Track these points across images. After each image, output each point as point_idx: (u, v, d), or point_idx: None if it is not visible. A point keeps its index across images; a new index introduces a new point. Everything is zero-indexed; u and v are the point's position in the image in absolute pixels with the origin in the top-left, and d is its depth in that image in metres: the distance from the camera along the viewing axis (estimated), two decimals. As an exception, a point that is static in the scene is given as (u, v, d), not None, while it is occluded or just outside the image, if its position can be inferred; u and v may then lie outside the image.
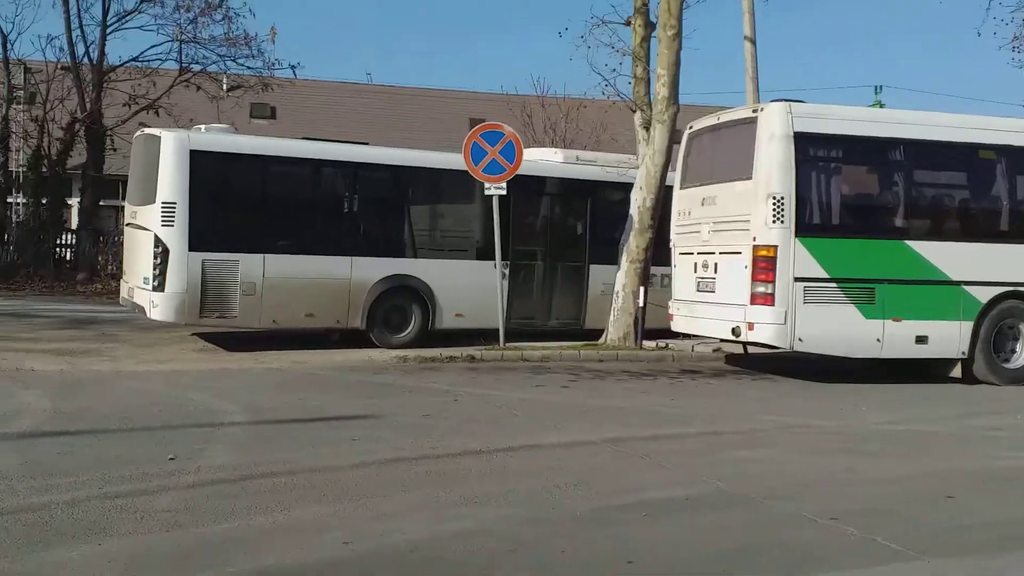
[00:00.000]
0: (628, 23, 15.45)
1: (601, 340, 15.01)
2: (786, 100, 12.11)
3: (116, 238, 25.95)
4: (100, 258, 24.76)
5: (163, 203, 12.74)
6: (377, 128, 32.11)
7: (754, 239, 11.90)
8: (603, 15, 15.48)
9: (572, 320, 15.55)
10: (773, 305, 11.74)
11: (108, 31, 24.66)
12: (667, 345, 14.74)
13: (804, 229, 11.82)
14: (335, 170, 14.34)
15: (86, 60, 24.76)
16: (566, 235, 15.93)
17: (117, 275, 23.56)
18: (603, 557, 5.24)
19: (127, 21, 24.88)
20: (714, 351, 14.62)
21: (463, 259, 14.62)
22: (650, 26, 15.22)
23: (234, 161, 13.44)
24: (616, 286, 14.98)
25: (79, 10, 24.55)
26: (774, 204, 11.72)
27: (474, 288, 14.26)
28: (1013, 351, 12.71)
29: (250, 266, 13.06)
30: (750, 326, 11.94)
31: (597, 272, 15.45)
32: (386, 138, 23.58)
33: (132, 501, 5.84)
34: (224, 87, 25.99)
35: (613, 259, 15.08)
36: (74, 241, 25.15)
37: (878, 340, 12.06)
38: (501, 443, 7.98)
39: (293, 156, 14.10)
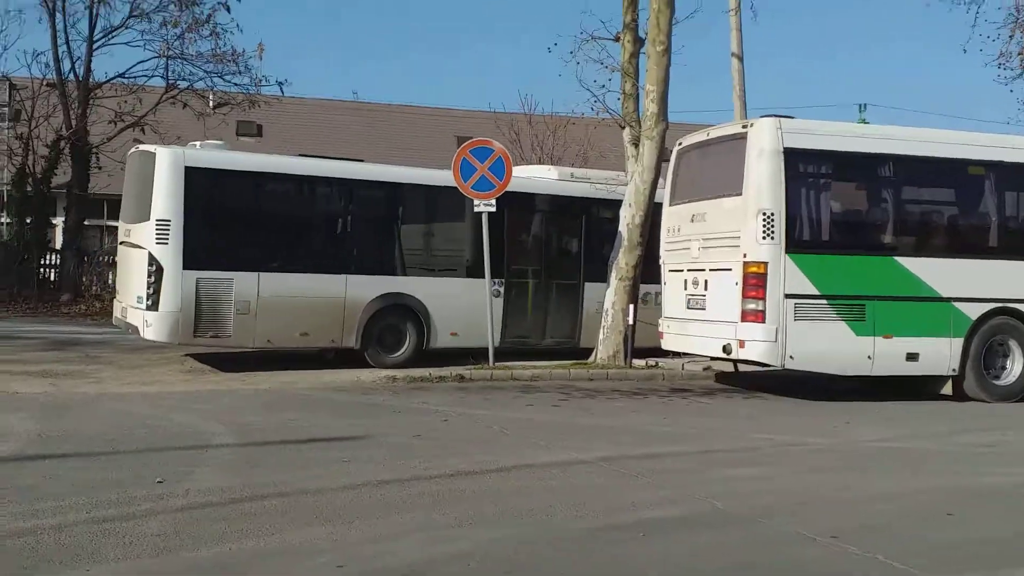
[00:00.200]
0: (617, 39, 15.47)
1: (591, 359, 14.94)
2: (776, 116, 12.11)
3: (101, 258, 25.85)
4: (84, 279, 24.54)
5: (158, 220, 12.60)
6: (363, 146, 32.14)
7: (744, 255, 11.88)
8: (593, 30, 15.47)
9: (567, 338, 15.47)
10: (764, 322, 11.72)
11: (95, 47, 24.58)
12: (657, 364, 14.70)
13: (794, 245, 11.82)
14: (330, 187, 14.26)
15: (72, 76, 24.62)
16: (560, 253, 15.92)
17: (101, 296, 23.58)
18: (601, 579, 5.16)
19: (114, 37, 24.81)
20: (704, 369, 14.58)
21: (458, 277, 14.55)
22: (639, 42, 15.25)
23: (229, 178, 13.33)
24: (605, 304, 14.93)
25: (65, 25, 24.51)
26: (764, 220, 11.71)
27: (469, 307, 14.18)
28: (1003, 368, 12.72)
29: (245, 285, 12.92)
30: (741, 344, 11.91)
31: (592, 290, 15.38)
32: (373, 156, 23.56)
33: (120, 525, 5.72)
34: (211, 104, 25.88)
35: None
36: (58, 261, 24.90)
37: (869, 357, 12.05)
38: (493, 463, 7.89)
39: (288, 173, 14.02)
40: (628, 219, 14.85)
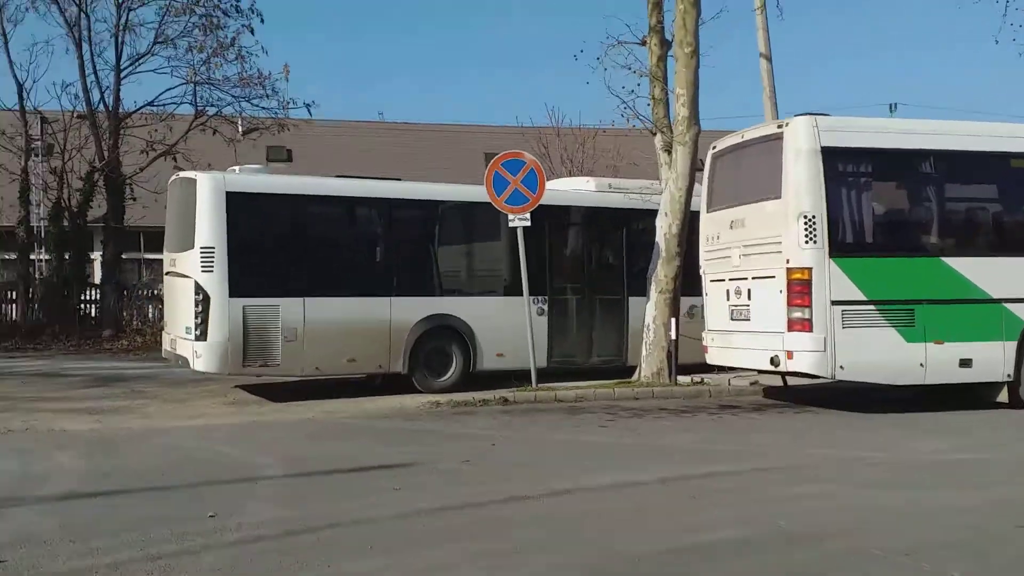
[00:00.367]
0: (644, 43, 15.22)
1: (634, 377, 14.64)
2: (811, 114, 11.85)
3: (140, 291, 26.00)
4: (125, 313, 24.62)
5: (202, 248, 12.52)
6: (393, 166, 32.01)
7: (787, 261, 11.58)
8: (618, 35, 15.25)
9: (614, 356, 15.19)
10: (811, 331, 11.40)
11: (122, 75, 24.66)
12: (703, 380, 14.32)
13: (838, 249, 11.49)
14: (371, 208, 14.11)
15: (102, 107, 24.79)
16: (603, 267, 15.65)
17: (143, 330, 23.65)
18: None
19: (140, 64, 24.88)
20: (752, 384, 14.26)
21: (502, 296, 14.31)
22: (666, 45, 15.01)
23: (270, 201, 13.21)
24: (646, 319, 14.62)
25: (92, 55, 24.63)
26: (806, 223, 11.43)
27: (515, 326, 13.89)
28: (1061, 371, 12.20)
29: (291, 311, 12.80)
30: (789, 355, 11.56)
31: (636, 305, 15.02)
32: (404, 176, 23.46)
33: (177, 561, 5.65)
34: (240, 130, 26.01)
35: (650, 290, 14.79)
36: (98, 296, 25.04)
37: (921, 365, 11.66)
38: (546, 487, 7.76)
39: (328, 195, 13.89)
40: (665, 229, 14.58)
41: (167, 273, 14.27)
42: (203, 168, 15.26)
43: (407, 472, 8.54)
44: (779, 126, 12.16)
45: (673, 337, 14.21)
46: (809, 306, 11.42)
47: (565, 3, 73.76)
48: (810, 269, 11.44)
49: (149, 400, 13.45)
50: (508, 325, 13.96)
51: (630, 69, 15.27)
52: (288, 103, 24.99)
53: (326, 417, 12.03)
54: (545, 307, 14.59)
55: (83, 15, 24.30)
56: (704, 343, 13.45)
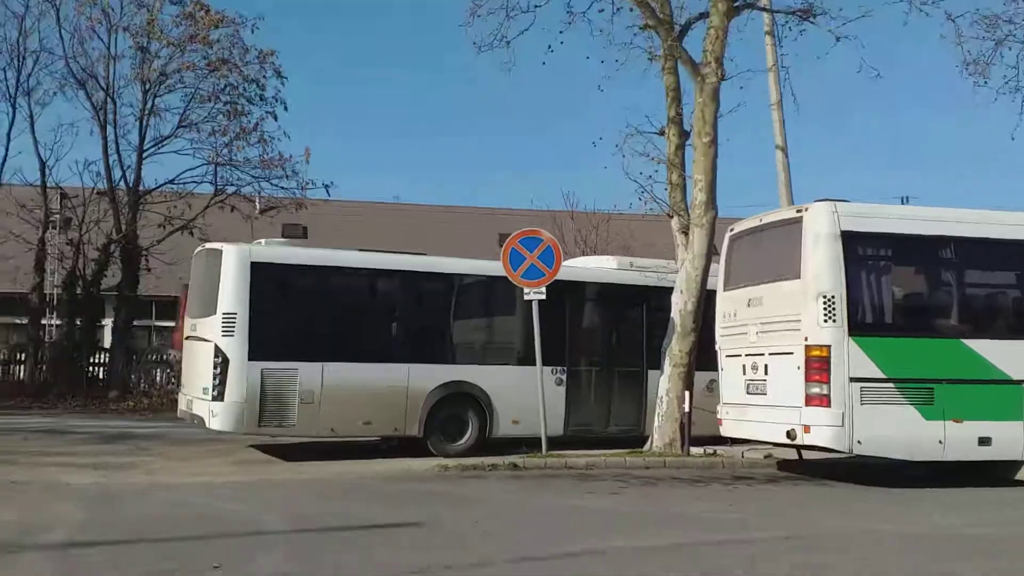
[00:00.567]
0: (662, 132, 15.54)
1: (646, 447, 14.57)
2: (830, 200, 11.96)
3: (149, 356, 25.98)
4: (133, 376, 24.59)
5: (224, 314, 12.72)
6: (407, 246, 32.15)
7: (806, 339, 11.56)
8: (637, 124, 15.55)
9: (631, 427, 15.12)
10: (829, 406, 11.32)
11: (144, 156, 25.00)
12: (715, 452, 14.24)
13: (857, 328, 11.49)
14: (392, 279, 14.36)
15: (122, 184, 25.06)
16: (622, 341, 15.71)
17: (149, 393, 23.59)
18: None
19: (164, 146, 25.25)
20: (765, 457, 14.10)
21: (519, 365, 14.30)
22: (684, 135, 15.32)
23: (293, 272, 13.50)
24: (660, 391, 14.63)
25: (116, 136, 24.95)
26: (825, 303, 11.45)
27: (531, 395, 13.91)
28: (1078, 453, 12.10)
29: (309, 375, 12.92)
30: (806, 428, 11.48)
31: (655, 377, 15.02)
32: (418, 255, 23.60)
33: (181, 608, 5.49)
34: (257, 207, 26.24)
35: (671, 364, 14.72)
36: (107, 360, 25.02)
37: (940, 442, 11.57)
38: (559, 550, 7.59)
39: (351, 267, 14.13)
40: (680, 305, 14.67)
41: (187, 338, 14.46)
42: (215, 241, 15.54)
43: (417, 532, 8.36)
44: (798, 211, 12.26)
45: (687, 409, 14.13)
46: (827, 382, 11.37)
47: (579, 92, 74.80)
48: (829, 347, 11.42)
49: (154, 457, 13.31)
50: (524, 393, 13.94)
51: (648, 156, 15.66)
52: (307, 184, 25.27)
53: (334, 478, 11.87)
54: (563, 377, 14.69)
55: (109, 100, 24.77)
56: (719, 416, 13.36)
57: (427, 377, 13.70)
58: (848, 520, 9.59)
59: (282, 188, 25.37)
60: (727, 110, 15.12)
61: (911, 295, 12.69)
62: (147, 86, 24.50)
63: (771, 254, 12.76)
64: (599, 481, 12.04)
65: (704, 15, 15.10)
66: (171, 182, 25.21)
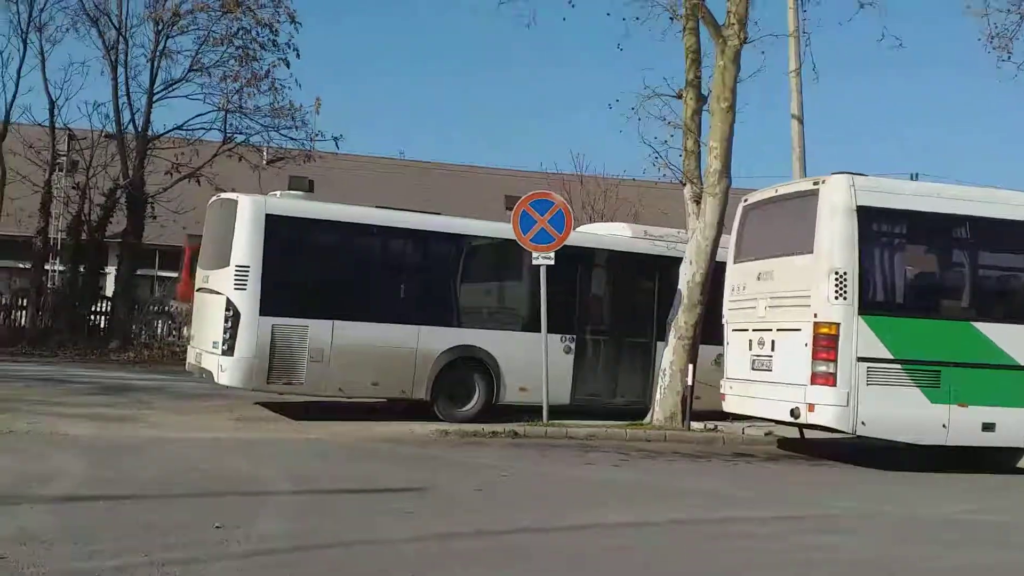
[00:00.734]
0: (679, 96, 15.23)
1: (646, 419, 14.48)
2: (848, 172, 11.75)
3: (151, 307, 25.90)
4: (134, 327, 24.52)
5: (237, 266, 12.58)
6: (412, 203, 31.93)
7: (815, 315, 11.43)
8: (655, 87, 15.15)
9: (638, 398, 14.97)
10: (835, 386, 11.21)
11: (155, 99, 24.68)
12: (716, 427, 14.17)
13: (868, 307, 11.35)
14: (406, 238, 14.20)
15: (131, 127, 24.86)
16: (633, 311, 15.57)
17: (150, 344, 23.54)
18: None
19: (174, 90, 24.96)
20: (766, 434, 14.04)
21: (530, 332, 14.08)
22: (701, 99, 15.05)
23: (308, 227, 13.31)
24: (663, 363, 14.49)
25: (127, 78, 24.64)
26: (836, 280, 11.29)
27: (541, 362, 13.77)
28: (1084, 442, 12.03)
29: (319, 332, 12.82)
30: (810, 407, 11.36)
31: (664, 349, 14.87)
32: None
33: (183, 570, 5.44)
34: (264, 159, 26.04)
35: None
36: (109, 309, 24.94)
37: (944, 426, 11.46)
38: (559, 521, 7.54)
39: (366, 223, 13.92)
40: (688, 277, 14.49)
41: (199, 289, 14.32)
42: (227, 192, 15.37)
43: (417, 496, 8.33)
44: (815, 183, 12.02)
45: (689, 383, 14.03)
46: (834, 360, 11.26)
47: (597, 52, 74.08)
48: (838, 325, 11.29)
49: (155, 411, 13.23)
50: (533, 361, 13.78)
51: (665, 120, 15.31)
52: (316, 135, 25.02)
53: (334, 438, 11.82)
54: (572, 345, 14.55)
55: (121, 39, 24.41)
56: (722, 391, 13.24)
57: (437, 340, 13.57)
58: (853, 502, 9.55)
59: (291, 139, 25.13)
60: (747, 75, 14.84)
61: (923, 274, 12.55)
62: (160, 26, 24.13)
63: (784, 226, 12.57)
64: (600, 452, 12.00)
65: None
66: (180, 128, 24.99)
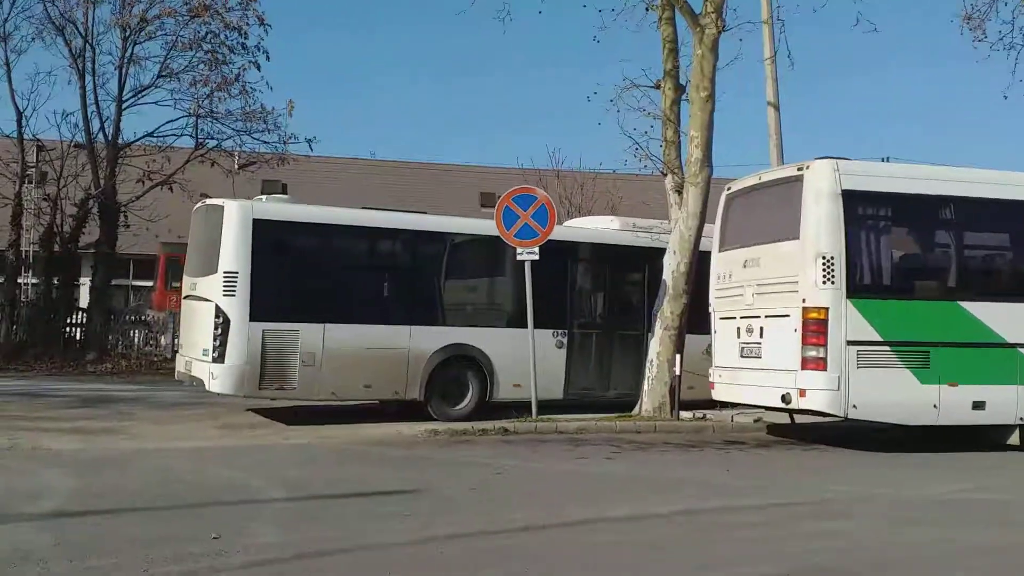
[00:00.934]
0: (658, 86, 15.17)
1: (635, 411, 14.42)
2: (832, 158, 11.73)
3: (127, 317, 25.57)
4: (111, 338, 24.18)
5: (225, 272, 12.46)
6: (388, 203, 31.86)
7: (803, 300, 11.42)
8: (634, 78, 15.09)
9: (631, 391, 14.86)
10: (826, 370, 11.22)
11: (124, 106, 24.31)
12: (705, 416, 14.15)
13: (855, 290, 11.36)
14: (394, 239, 14.10)
15: (101, 136, 24.50)
16: (624, 303, 15.61)
17: (127, 355, 23.22)
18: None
19: (143, 96, 24.59)
20: (755, 421, 14.04)
21: (521, 328, 13.94)
22: (680, 89, 15.00)
23: (295, 230, 13.25)
24: (650, 354, 14.45)
25: (95, 86, 24.29)
26: (824, 264, 11.29)
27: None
28: (1072, 417, 12.06)
29: (310, 336, 12.71)
30: (801, 392, 11.38)
31: None
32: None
33: (185, 583, 5.30)
34: (236, 164, 25.77)
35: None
36: (84, 320, 24.59)
37: (935, 406, 11.50)
38: (560, 517, 7.43)
39: (353, 225, 13.82)
40: (672, 267, 14.45)
41: (186, 297, 14.19)
42: (199, 199, 15.21)
43: (413, 498, 8.20)
44: (799, 168, 12.00)
45: (677, 372, 13.99)
46: (824, 345, 11.25)
47: (574, 49, 74.06)
48: (827, 309, 11.29)
49: (137, 422, 13.03)
50: (526, 357, 13.71)
51: (644, 111, 15.22)
52: (289, 138, 24.77)
53: (322, 442, 11.68)
54: (564, 340, 14.53)
55: (88, 47, 24.07)
56: (711, 379, 13.24)
57: (429, 339, 13.50)
58: (850, 486, 9.51)
59: (264, 142, 24.86)
60: (724, 63, 14.79)
61: (910, 256, 12.57)
62: (127, 32, 23.76)
63: (769, 213, 12.56)
64: (591, 446, 11.94)
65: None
66: (151, 135, 24.64)
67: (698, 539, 6.91)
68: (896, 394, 11.42)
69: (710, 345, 13.63)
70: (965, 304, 11.75)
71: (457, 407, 13.69)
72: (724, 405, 13.94)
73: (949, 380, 11.55)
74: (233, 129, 24.50)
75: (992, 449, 12.04)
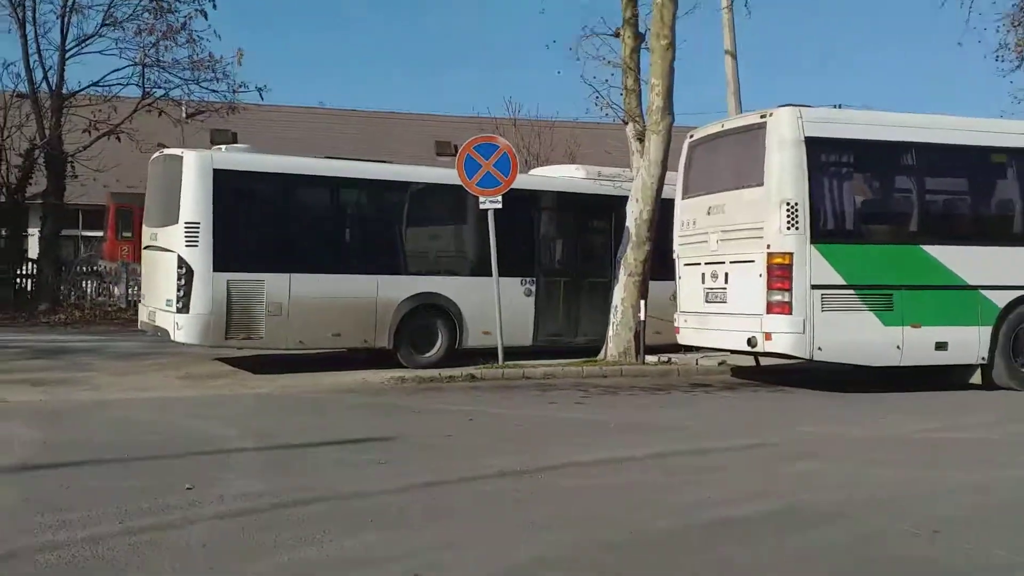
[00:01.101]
0: (617, 34, 15.06)
1: (600, 356, 14.50)
2: (794, 105, 11.74)
3: (78, 267, 25.07)
4: (63, 288, 23.72)
5: (186, 223, 12.26)
6: (339, 152, 31.46)
7: (768, 246, 11.50)
8: (592, 26, 15.06)
9: (600, 336, 14.86)
10: (791, 314, 11.34)
11: (67, 56, 23.67)
12: (670, 360, 14.26)
13: (819, 235, 11.45)
14: (359, 188, 13.89)
15: (44, 86, 23.80)
16: (590, 251, 15.64)
17: (80, 305, 22.81)
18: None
19: (87, 45, 23.89)
20: (719, 364, 14.16)
21: (491, 276, 13.86)
22: (639, 37, 14.88)
23: (257, 180, 13.05)
24: (614, 300, 14.50)
25: (37, 35, 23.55)
26: (788, 210, 11.36)
27: (503, 306, 13.71)
28: (1033, 355, 12.31)
29: (276, 286, 12.59)
30: (767, 336, 11.51)
31: None
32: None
33: (161, 535, 5.19)
34: (183, 113, 25.19)
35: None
36: (35, 271, 24.07)
37: (898, 347, 11.69)
38: (538, 462, 7.37)
39: (317, 174, 13.67)
40: (636, 214, 14.44)
41: (147, 247, 13.94)
42: (148, 148, 14.92)
43: (389, 445, 8.13)
44: (762, 116, 12.00)
45: (642, 318, 14.04)
46: (789, 289, 11.36)
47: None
48: (791, 254, 11.38)
49: (96, 373, 12.80)
50: (495, 304, 13.66)
51: (604, 59, 15.14)
52: (239, 87, 24.21)
53: (285, 391, 11.58)
54: (533, 288, 14.59)
55: (28, -5, 23.22)
56: (676, 324, 13.34)
57: (396, 289, 13.44)
58: (820, 427, 9.62)
59: (213, 91, 24.28)
60: (684, 12, 14.71)
61: (872, 201, 12.66)
62: (68, -22, 23.04)
63: (733, 161, 12.58)
64: (559, 391, 11.97)
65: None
66: (96, 84, 23.98)
67: (674, 482, 6.90)
68: (860, 336, 11.57)
69: (675, 292, 13.68)
70: (927, 248, 11.88)
71: (427, 355, 13.65)
72: (689, 349, 14.12)
73: (912, 322, 11.72)
74: (181, 78, 23.97)
75: (955, 388, 12.29)
